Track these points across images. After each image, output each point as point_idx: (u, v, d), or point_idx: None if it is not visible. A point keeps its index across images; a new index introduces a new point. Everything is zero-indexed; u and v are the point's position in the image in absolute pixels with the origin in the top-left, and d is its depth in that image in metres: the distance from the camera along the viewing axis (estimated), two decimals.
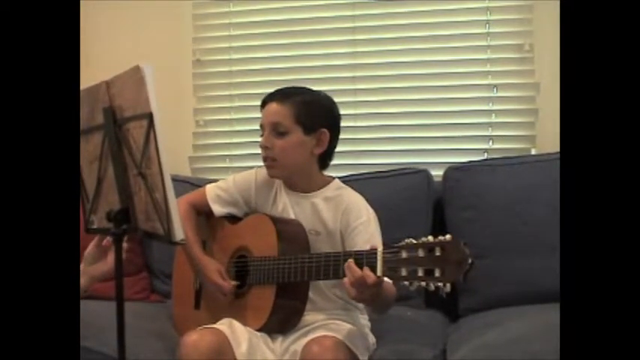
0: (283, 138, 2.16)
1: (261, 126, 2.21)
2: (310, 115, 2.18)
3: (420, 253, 1.73)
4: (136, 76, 1.62)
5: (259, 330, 2.11)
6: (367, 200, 2.24)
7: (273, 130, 2.17)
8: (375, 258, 1.80)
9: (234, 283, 2.18)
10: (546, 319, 2.21)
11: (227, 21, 3.31)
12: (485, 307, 2.54)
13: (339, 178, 2.36)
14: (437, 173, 2.80)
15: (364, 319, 2.23)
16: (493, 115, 3.06)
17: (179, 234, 1.62)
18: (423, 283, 1.71)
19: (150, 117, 1.60)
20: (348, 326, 2.12)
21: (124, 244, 1.73)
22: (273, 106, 2.18)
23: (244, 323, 2.11)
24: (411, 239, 1.76)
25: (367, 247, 1.85)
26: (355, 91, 3.16)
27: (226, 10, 3.30)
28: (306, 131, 2.17)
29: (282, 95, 2.20)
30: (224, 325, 2.07)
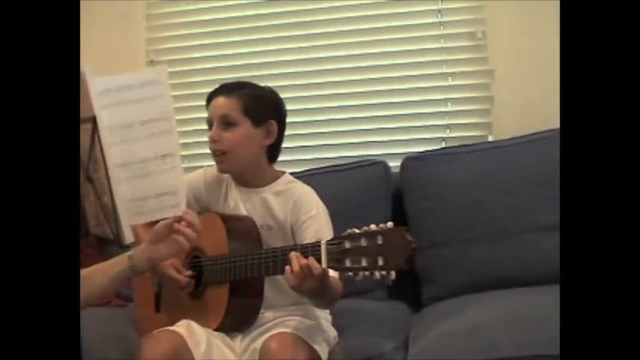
0: (232, 130, 2.17)
1: (209, 121, 2.22)
2: (258, 107, 2.19)
3: (363, 242, 1.73)
4: None
5: (217, 329, 2.09)
6: (326, 194, 2.24)
7: (222, 122, 2.17)
8: (319, 250, 1.80)
9: (188, 273, 2.16)
10: (507, 306, 2.25)
11: (180, 20, 3.29)
12: (448, 296, 2.55)
13: (297, 173, 2.35)
14: (395, 164, 2.80)
15: (325, 313, 2.23)
16: (449, 103, 3.07)
17: (128, 237, 1.60)
18: (367, 273, 1.71)
19: (93, 120, 1.58)
20: (307, 321, 2.12)
21: None
22: (221, 100, 2.20)
23: (202, 324, 2.09)
24: (354, 229, 1.76)
25: (313, 241, 1.86)
26: (309, 86, 3.16)
27: (179, 9, 3.29)
28: (254, 123, 2.18)
29: (227, 89, 2.22)
30: (181, 326, 2.05)
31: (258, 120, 2.18)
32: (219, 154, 2.19)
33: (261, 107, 2.20)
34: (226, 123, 2.17)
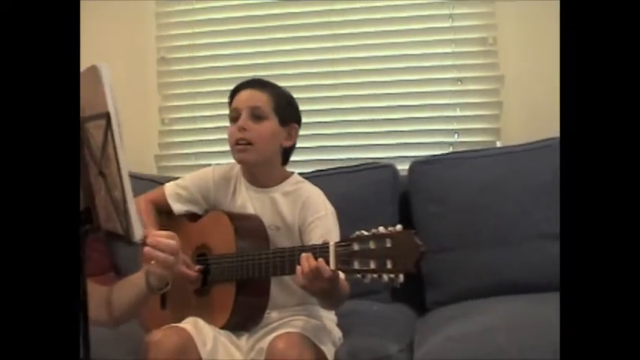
0: (261, 123, 2.18)
1: (235, 111, 2.21)
2: (285, 108, 2.22)
3: (371, 244, 1.74)
4: (92, 75, 1.61)
5: (223, 328, 2.10)
6: (333, 196, 2.24)
7: (252, 114, 2.18)
8: (328, 252, 1.81)
9: (198, 267, 2.16)
10: (511, 311, 2.25)
11: (190, 19, 3.29)
12: (452, 300, 2.55)
13: (306, 173, 2.36)
14: (403, 167, 2.81)
15: (330, 314, 2.23)
16: (458, 108, 3.07)
17: (138, 234, 1.60)
18: (375, 276, 1.71)
19: (107, 116, 1.59)
20: (313, 322, 2.12)
21: None
22: (252, 92, 2.21)
23: (209, 322, 2.10)
24: (362, 231, 1.76)
25: (321, 242, 1.86)
26: (318, 87, 3.17)
27: (189, 7, 3.30)
28: (281, 122, 2.20)
29: (259, 83, 2.25)
30: (189, 323, 2.06)
31: (284, 120, 2.21)
32: (243, 144, 2.18)
33: (288, 108, 2.24)
34: (256, 115, 2.18)
